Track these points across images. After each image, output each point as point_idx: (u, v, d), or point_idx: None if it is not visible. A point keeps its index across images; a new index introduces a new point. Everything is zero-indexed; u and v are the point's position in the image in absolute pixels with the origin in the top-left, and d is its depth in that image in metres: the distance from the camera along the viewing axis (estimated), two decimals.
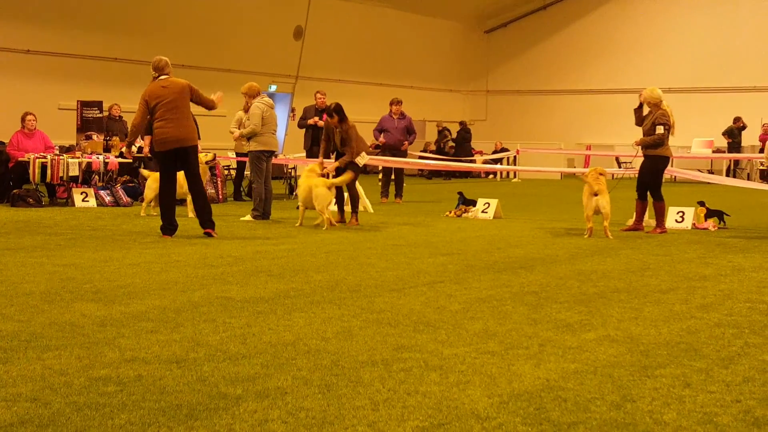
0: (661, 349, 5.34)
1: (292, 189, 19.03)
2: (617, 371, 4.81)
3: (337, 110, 12.95)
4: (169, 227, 10.70)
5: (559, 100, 36.32)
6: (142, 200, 16.00)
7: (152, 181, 13.54)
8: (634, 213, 12.51)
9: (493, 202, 14.43)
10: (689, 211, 13.12)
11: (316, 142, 17.32)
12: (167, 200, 10.77)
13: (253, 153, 13.34)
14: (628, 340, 5.59)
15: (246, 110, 14.17)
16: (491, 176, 30.81)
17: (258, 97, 13.42)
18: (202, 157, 13.58)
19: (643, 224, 12.46)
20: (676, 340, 5.63)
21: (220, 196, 17.00)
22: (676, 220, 13.05)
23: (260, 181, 13.24)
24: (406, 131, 18.24)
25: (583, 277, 8.15)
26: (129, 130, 11.03)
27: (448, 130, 31.96)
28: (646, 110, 12.40)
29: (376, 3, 32.13)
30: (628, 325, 6.05)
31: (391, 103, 18.40)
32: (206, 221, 10.83)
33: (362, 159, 13.06)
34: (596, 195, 11.29)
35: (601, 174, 11.65)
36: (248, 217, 13.16)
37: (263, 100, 13.41)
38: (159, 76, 10.83)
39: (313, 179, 12.23)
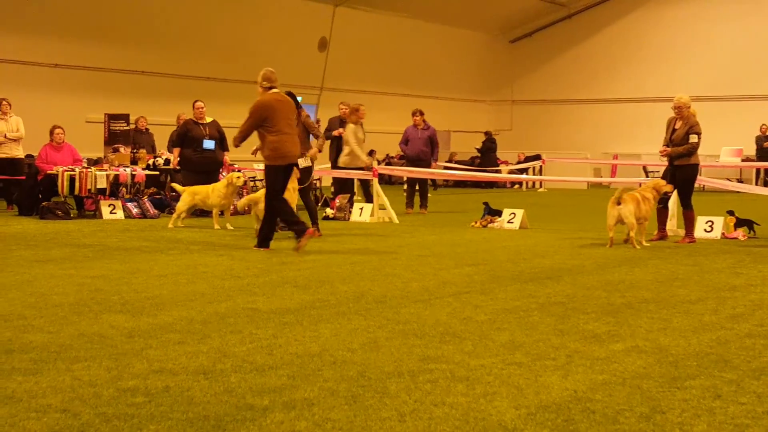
0: (690, 360, 5.29)
1: (317, 199, 19.06)
2: (646, 382, 4.77)
3: (289, 95, 12.95)
4: (268, 240, 10.65)
5: (585, 110, 36.17)
6: (170, 212, 16.12)
7: (187, 194, 13.66)
8: (657, 222, 12.43)
9: (519, 213, 14.38)
10: (718, 221, 13.01)
11: (341, 153, 17.35)
12: (287, 207, 10.73)
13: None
14: (657, 351, 5.54)
15: None
16: (517, 186, 30.73)
17: None
18: (237, 180, 13.55)
19: (667, 232, 12.40)
20: (705, 350, 5.57)
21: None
22: (705, 230, 12.94)
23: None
24: (429, 142, 18.23)
25: (610, 287, 8.10)
26: (238, 134, 10.86)
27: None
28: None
29: (400, 14, 32.19)
30: (657, 335, 6.00)
31: (413, 114, 18.41)
32: (267, 238, 10.77)
33: (303, 161, 12.75)
34: (619, 204, 11.21)
35: (655, 188, 11.70)
36: None
37: None
38: (271, 88, 10.77)
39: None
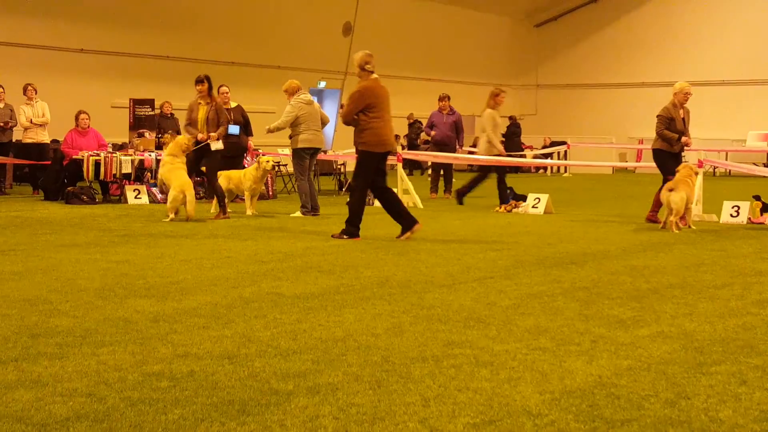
0: (716, 346, 5.25)
1: (341, 185, 19.09)
2: (671, 368, 4.74)
3: (209, 79, 13.06)
4: (357, 231, 10.38)
5: (611, 94, 35.91)
6: (195, 197, 16.15)
7: (223, 179, 13.73)
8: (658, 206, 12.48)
9: (544, 197, 14.32)
10: (744, 206, 12.90)
11: None
12: (363, 204, 10.50)
13: (295, 150, 13.43)
14: (682, 336, 5.51)
15: None
16: (541, 171, 30.59)
17: (296, 94, 13.45)
18: (266, 164, 13.59)
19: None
20: (731, 336, 5.53)
21: (270, 193, 17.11)
22: (731, 215, 12.84)
23: (303, 178, 13.33)
24: (455, 127, 18.20)
25: (635, 272, 8.05)
26: (344, 118, 10.57)
27: (420, 123, 31.14)
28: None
29: None
30: (682, 321, 5.96)
31: (439, 99, 18.38)
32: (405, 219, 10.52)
33: (215, 144, 12.89)
34: (671, 191, 11.25)
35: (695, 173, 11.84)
36: (297, 214, 13.25)
37: (300, 97, 13.41)
38: (373, 73, 10.50)
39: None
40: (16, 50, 22.32)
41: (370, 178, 10.52)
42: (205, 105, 12.97)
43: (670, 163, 12.29)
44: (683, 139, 12.33)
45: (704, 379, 4.55)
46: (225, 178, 13.77)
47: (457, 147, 18.34)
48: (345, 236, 10.33)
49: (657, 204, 12.42)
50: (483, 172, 15.93)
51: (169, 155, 12.54)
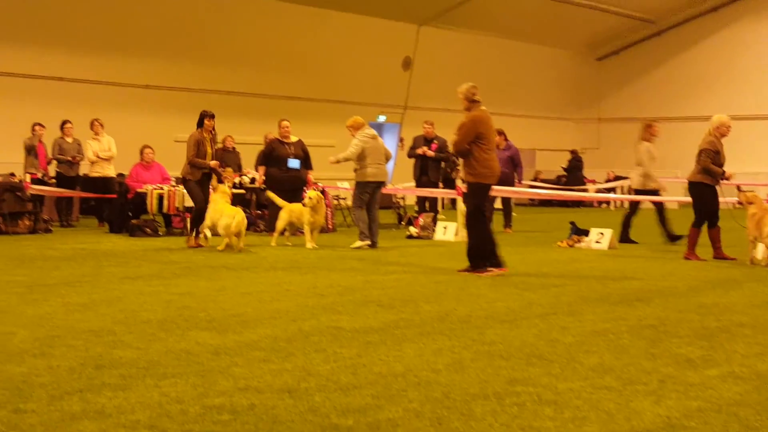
0: None
1: (401, 218, 19.08)
2: (743, 410, 4.58)
3: (209, 115, 13.53)
4: (499, 260, 10.30)
5: (675, 128, 35.36)
6: (256, 230, 16.31)
7: (284, 212, 13.86)
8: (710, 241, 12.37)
9: (607, 232, 14.13)
10: None
11: (425, 172, 17.40)
12: (490, 234, 10.40)
13: (359, 183, 13.62)
14: (754, 377, 5.33)
15: None
16: (604, 205, 30.23)
17: (360, 129, 13.74)
18: (305, 200, 13.73)
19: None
20: None
21: (330, 226, 17.17)
22: None
23: (360, 207, 13.47)
24: (511, 162, 18.05)
25: (704, 310, 7.85)
26: (456, 148, 10.43)
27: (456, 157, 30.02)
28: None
29: (484, 32, 32.10)
30: (754, 361, 5.78)
31: None
32: (483, 257, 10.36)
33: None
34: None
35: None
36: (358, 243, 13.31)
37: (365, 132, 13.71)
38: (481, 104, 10.47)
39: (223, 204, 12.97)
40: (85, 86, 22.87)
41: (484, 209, 10.47)
42: (209, 139, 13.60)
43: (711, 197, 12.25)
44: (727, 173, 12.20)
45: None
46: (287, 212, 13.89)
47: (516, 181, 18.20)
48: (492, 268, 10.17)
49: (695, 241, 12.25)
50: (633, 208, 15.67)
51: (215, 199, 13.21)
